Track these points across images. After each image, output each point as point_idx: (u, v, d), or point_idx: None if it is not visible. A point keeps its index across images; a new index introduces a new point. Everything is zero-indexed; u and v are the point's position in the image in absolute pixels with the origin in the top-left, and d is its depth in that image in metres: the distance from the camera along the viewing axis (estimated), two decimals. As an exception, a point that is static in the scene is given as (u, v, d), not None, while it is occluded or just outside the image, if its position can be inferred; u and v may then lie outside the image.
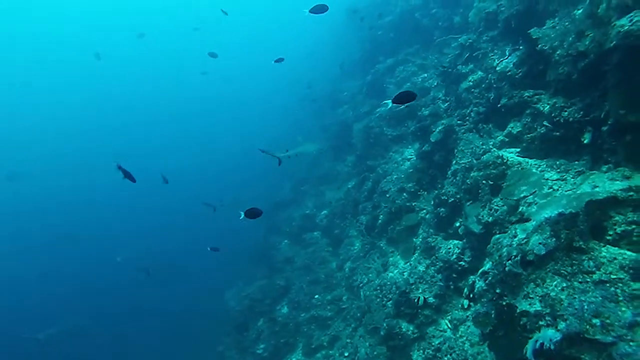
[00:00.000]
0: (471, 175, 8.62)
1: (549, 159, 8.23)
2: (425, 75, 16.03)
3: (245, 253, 23.80)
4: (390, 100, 6.65)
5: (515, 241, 6.56)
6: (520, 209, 7.31)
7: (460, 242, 9.52)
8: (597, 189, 6.53)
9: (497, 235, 7.22)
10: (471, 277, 8.53)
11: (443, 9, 16.53)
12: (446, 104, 11.95)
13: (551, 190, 7.16)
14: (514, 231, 6.88)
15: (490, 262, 6.85)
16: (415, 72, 17.05)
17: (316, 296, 15.49)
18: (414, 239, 11.33)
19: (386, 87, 17.88)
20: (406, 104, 6.72)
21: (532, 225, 6.53)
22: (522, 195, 7.48)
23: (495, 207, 7.86)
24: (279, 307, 17.08)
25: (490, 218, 7.82)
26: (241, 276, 23.52)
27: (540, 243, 6.09)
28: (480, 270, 7.24)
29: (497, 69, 9.68)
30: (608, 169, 7.09)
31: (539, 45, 7.98)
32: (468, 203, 8.67)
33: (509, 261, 6.18)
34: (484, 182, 8.24)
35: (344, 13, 29.68)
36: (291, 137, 32.12)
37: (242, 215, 8.24)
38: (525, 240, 6.40)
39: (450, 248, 9.61)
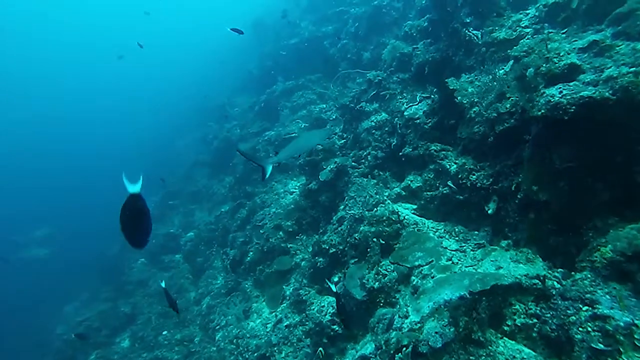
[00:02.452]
0: (361, 229, 7.40)
1: (447, 223, 7.39)
2: (324, 106, 15.03)
3: (94, 264, 20.42)
4: None
5: (406, 324, 5.38)
6: (413, 280, 6.19)
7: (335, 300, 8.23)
8: (501, 271, 5.68)
9: (384, 310, 6.01)
10: (347, 352, 7.12)
11: (354, 42, 15.79)
12: (342, 141, 10.85)
13: (450, 262, 6.17)
14: (405, 309, 5.72)
15: (373, 344, 5.58)
16: (313, 101, 16.00)
17: (164, 332, 13.11)
18: (284, 287, 9.81)
19: (280, 111, 16.54)
20: None
21: (428, 306, 5.39)
22: (416, 263, 6.40)
23: (384, 271, 6.69)
24: (119, 339, 14.35)
25: (377, 284, 6.60)
26: (84, 290, 20.15)
27: (437, 332, 4.94)
28: (359, 354, 5.92)
29: (405, 114, 8.80)
30: (508, 245, 6.42)
31: (458, 98, 7.16)
32: (353, 261, 7.41)
33: (399, 354, 4.90)
34: (374, 239, 7.06)
35: (250, 26, 28.24)
36: (167, 143, 29.51)
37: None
38: (419, 325, 5.23)
39: (324, 306, 8.23)
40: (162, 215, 20.79)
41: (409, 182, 8.25)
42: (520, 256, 5.88)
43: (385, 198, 8.28)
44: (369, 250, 6.99)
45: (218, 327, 11.29)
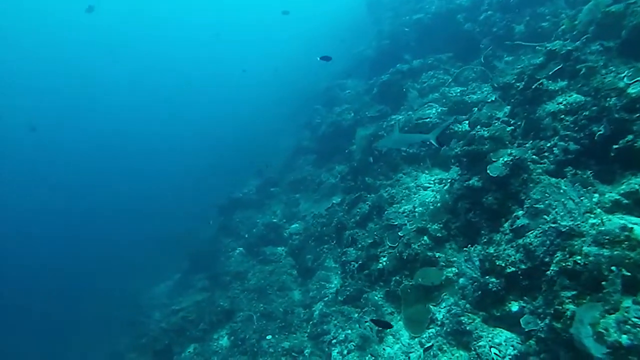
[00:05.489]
0: (587, 251, 5.21)
1: None
2: (463, 88, 12.74)
3: (188, 249, 19.91)
4: None
5: None
6: None
7: (516, 337, 6.19)
8: None
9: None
10: None
11: (501, 14, 13.25)
12: (510, 128, 8.59)
13: None
14: None
15: None
16: (446, 82, 13.73)
17: (268, 337, 11.70)
18: (432, 307, 7.85)
19: (407, 92, 14.44)
20: None
21: None
22: (699, 316, 4.15)
23: (635, 319, 4.50)
24: (217, 336, 13.29)
25: (625, 338, 4.43)
26: (174, 270, 19.85)
27: None
28: None
29: (630, 91, 6.39)
30: None
31: None
32: (569, 294, 5.25)
33: None
34: (613, 268, 4.87)
35: (364, 5, 26.44)
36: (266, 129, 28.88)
37: None
38: None
39: (499, 345, 6.21)
40: (261, 203, 19.73)
41: (636, 186, 5.91)
42: None
43: (594, 206, 6.03)
44: (605, 284, 4.82)
45: (335, 341, 9.65)
